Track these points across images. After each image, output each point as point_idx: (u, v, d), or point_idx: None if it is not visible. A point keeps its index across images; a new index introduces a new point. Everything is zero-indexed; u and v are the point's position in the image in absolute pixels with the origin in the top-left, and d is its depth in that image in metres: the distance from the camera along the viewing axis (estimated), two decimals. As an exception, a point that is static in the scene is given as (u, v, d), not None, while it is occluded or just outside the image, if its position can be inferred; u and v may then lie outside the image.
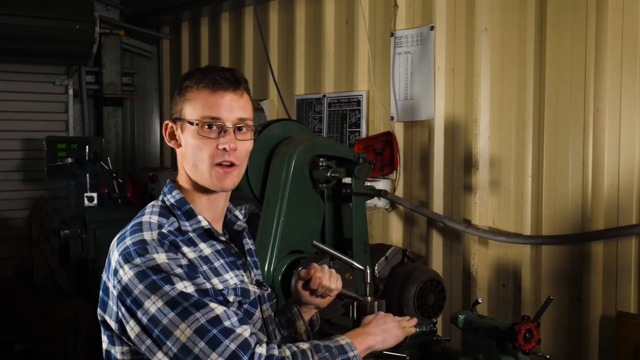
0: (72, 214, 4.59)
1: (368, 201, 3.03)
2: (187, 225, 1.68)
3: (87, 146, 4.91)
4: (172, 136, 1.74)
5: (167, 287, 1.53)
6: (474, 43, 3.40)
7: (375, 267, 2.78)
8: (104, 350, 1.69)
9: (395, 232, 3.81)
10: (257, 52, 4.83)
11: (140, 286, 1.54)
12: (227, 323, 1.54)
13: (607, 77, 2.91)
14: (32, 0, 4.96)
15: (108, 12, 5.69)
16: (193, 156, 1.68)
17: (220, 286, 1.64)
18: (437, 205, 3.56)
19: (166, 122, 1.75)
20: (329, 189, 2.86)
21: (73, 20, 5.03)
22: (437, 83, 3.56)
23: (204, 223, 1.70)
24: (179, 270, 1.56)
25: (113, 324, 1.62)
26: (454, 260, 3.55)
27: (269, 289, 1.92)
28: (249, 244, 1.93)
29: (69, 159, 4.80)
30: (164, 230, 1.63)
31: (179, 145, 1.73)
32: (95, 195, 4.68)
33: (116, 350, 1.65)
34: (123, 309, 1.57)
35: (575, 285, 3.05)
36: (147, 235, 1.60)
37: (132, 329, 1.56)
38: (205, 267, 1.64)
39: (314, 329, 2.06)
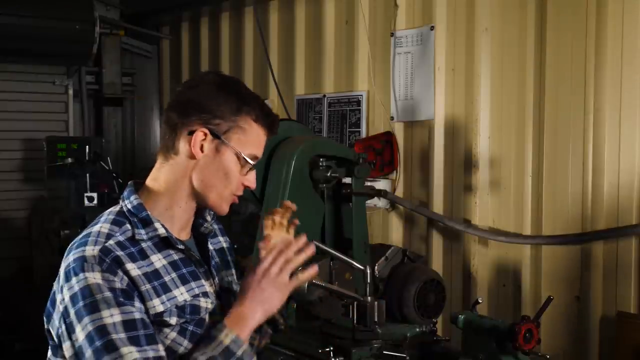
0: (72, 214, 4.59)
1: (368, 201, 3.03)
2: (142, 234, 1.61)
3: (87, 146, 4.90)
4: (201, 143, 1.64)
5: (87, 318, 1.48)
6: (474, 43, 3.40)
7: (375, 267, 2.77)
8: (47, 358, 1.66)
9: (395, 232, 3.81)
10: (257, 52, 4.83)
11: (73, 311, 1.51)
12: None
13: (607, 77, 2.91)
14: (32, 0, 4.97)
15: (108, 12, 5.68)
16: (218, 179, 1.65)
17: (161, 308, 1.56)
18: (437, 205, 3.56)
19: (203, 130, 1.62)
20: (329, 189, 2.86)
21: (73, 20, 5.03)
22: (437, 83, 3.56)
23: (161, 231, 1.63)
24: (107, 294, 1.50)
25: (55, 337, 1.60)
26: (454, 260, 3.55)
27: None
28: (220, 242, 1.87)
29: (69, 159, 4.80)
30: (110, 243, 1.56)
31: (202, 155, 1.64)
32: (95, 195, 4.67)
33: None
34: (63, 328, 1.55)
35: (575, 285, 3.05)
36: (89, 251, 1.54)
37: (67, 349, 1.54)
38: (148, 286, 1.56)
39: (278, 327, 1.92)
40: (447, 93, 3.54)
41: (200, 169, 1.65)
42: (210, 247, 1.82)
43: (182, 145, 1.65)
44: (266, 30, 4.64)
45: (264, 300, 1.62)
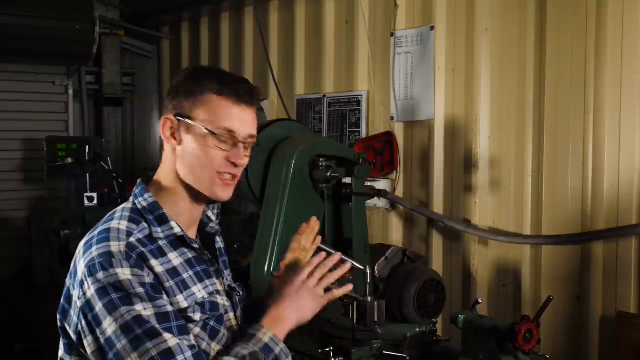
0: (72, 214, 4.58)
1: (368, 201, 3.03)
2: (159, 232, 1.62)
3: (87, 146, 4.90)
4: (172, 132, 1.65)
5: (123, 309, 1.47)
6: (474, 43, 3.40)
7: (375, 267, 2.77)
8: (59, 357, 1.65)
9: (395, 232, 3.81)
10: (257, 52, 4.83)
11: (100, 304, 1.49)
12: (179, 357, 1.48)
13: (607, 77, 2.91)
14: (32, 0, 4.97)
15: (108, 12, 5.68)
16: (195, 160, 1.62)
17: (185, 304, 1.58)
18: (437, 205, 3.56)
19: (166, 117, 1.65)
20: (329, 189, 2.85)
21: (73, 20, 5.03)
22: (437, 83, 3.56)
23: (177, 230, 1.64)
24: (140, 290, 1.50)
25: (72, 334, 1.58)
26: (454, 260, 3.55)
27: (242, 292, 1.87)
28: (218, 242, 1.88)
29: (69, 159, 4.79)
30: (132, 240, 1.56)
31: (178, 144, 1.65)
32: (95, 195, 4.67)
33: None
34: (84, 323, 1.52)
35: (575, 285, 3.05)
36: (114, 247, 1.53)
37: (89, 344, 1.52)
38: (172, 282, 1.57)
39: None
40: (447, 93, 3.54)
41: (180, 157, 1.65)
42: (217, 244, 1.85)
43: (164, 139, 1.68)
44: (266, 30, 4.64)
45: (300, 307, 1.70)
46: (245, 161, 1.66)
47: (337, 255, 1.80)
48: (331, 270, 1.78)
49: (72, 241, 4.42)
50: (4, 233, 5.34)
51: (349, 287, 1.81)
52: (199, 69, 1.70)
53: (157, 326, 1.49)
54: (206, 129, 1.61)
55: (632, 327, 2.79)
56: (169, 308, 1.53)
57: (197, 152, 1.62)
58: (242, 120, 1.64)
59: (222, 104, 1.63)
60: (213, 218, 1.83)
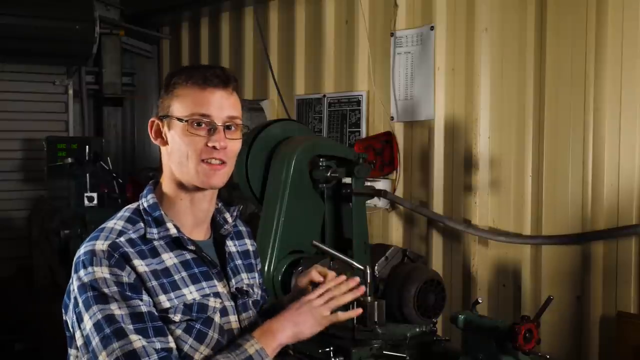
0: (72, 214, 4.58)
1: (368, 201, 3.03)
2: (153, 233, 1.64)
3: (87, 146, 4.91)
4: (158, 134, 1.69)
5: (95, 308, 1.52)
6: (474, 43, 3.40)
7: (375, 267, 2.77)
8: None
9: (395, 232, 3.81)
10: (257, 52, 4.83)
11: (80, 301, 1.54)
12: None
13: (607, 77, 2.91)
14: (33, 0, 4.97)
15: (108, 12, 5.68)
16: (180, 153, 1.64)
17: (167, 304, 1.58)
18: (437, 205, 3.56)
19: (152, 119, 1.70)
20: (329, 189, 2.86)
21: (73, 20, 5.04)
22: (437, 83, 3.56)
23: (172, 231, 1.65)
24: (114, 289, 1.52)
25: (70, 328, 1.63)
26: (454, 260, 3.55)
27: (257, 295, 1.85)
28: (246, 244, 1.88)
29: (69, 159, 4.80)
30: (120, 239, 1.59)
31: (165, 143, 1.68)
32: (95, 195, 4.67)
33: (71, 353, 1.66)
34: (74, 318, 1.58)
35: (576, 285, 3.05)
36: (99, 245, 1.57)
37: (78, 338, 1.58)
38: (154, 282, 1.58)
39: None
40: (447, 93, 3.54)
41: (170, 155, 1.68)
42: (233, 249, 1.83)
43: (152, 140, 1.73)
44: (266, 30, 4.64)
45: (297, 322, 1.68)
46: (227, 144, 1.65)
47: (355, 280, 1.78)
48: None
49: (72, 241, 4.42)
50: (4, 233, 5.35)
51: (357, 311, 1.82)
52: (174, 71, 1.74)
53: (129, 326, 1.51)
54: (180, 118, 1.63)
55: (632, 327, 2.79)
56: (144, 309, 1.54)
57: (180, 144, 1.64)
58: (214, 103, 1.64)
59: (190, 91, 1.65)
60: (229, 220, 1.83)
